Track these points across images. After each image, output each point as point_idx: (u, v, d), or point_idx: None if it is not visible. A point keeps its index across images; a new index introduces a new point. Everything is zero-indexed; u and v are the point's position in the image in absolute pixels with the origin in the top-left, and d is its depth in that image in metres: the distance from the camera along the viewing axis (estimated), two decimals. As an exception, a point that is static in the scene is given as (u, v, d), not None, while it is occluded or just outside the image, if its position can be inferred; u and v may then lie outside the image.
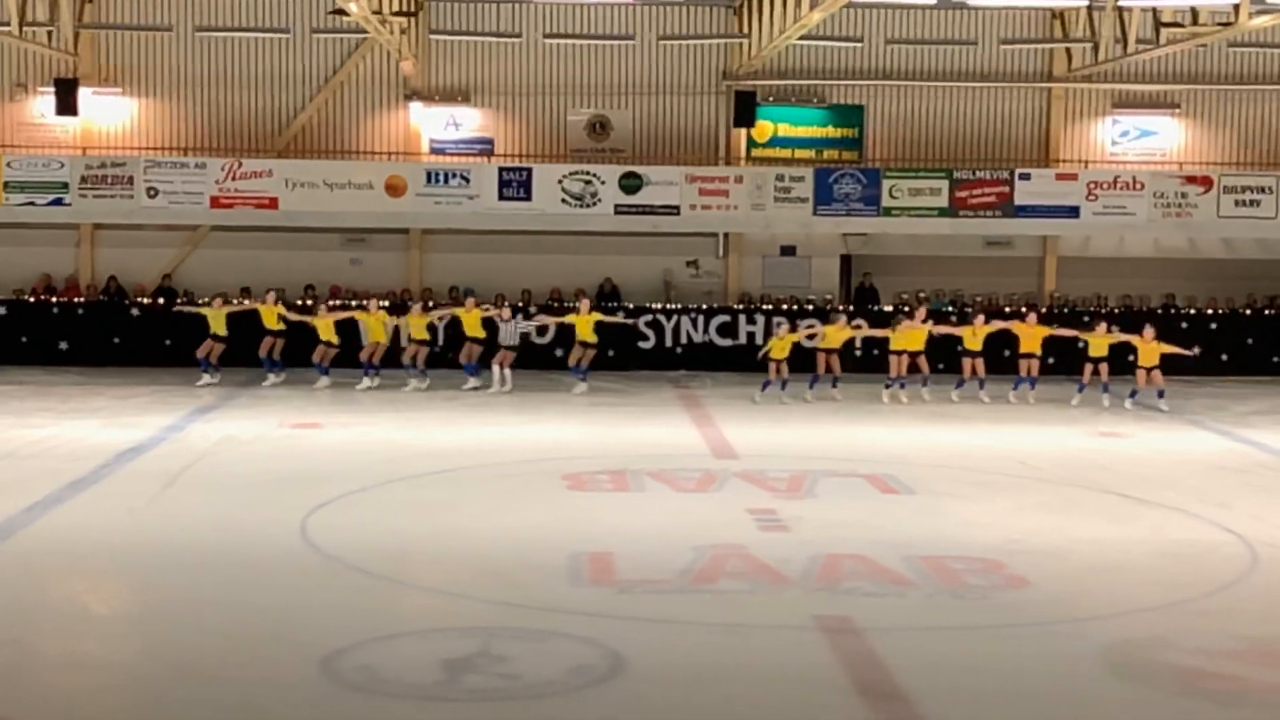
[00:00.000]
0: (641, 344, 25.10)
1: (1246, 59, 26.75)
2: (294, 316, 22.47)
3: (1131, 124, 27.31)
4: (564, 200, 25.12)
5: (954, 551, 11.43)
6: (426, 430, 17.85)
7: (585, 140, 26.90)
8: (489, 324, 22.19)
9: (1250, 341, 25.25)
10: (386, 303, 23.76)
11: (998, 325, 22.20)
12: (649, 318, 25.14)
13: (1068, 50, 26.63)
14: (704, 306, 25.47)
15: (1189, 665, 8.76)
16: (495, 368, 21.89)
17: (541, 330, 23.78)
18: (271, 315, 22.41)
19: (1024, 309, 24.16)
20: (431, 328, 22.61)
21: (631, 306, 25.27)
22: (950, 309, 25.37)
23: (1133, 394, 21.05)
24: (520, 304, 24.76)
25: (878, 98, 27.06)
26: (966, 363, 21.97)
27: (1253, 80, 27.00)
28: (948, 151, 26.96)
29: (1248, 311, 25.83)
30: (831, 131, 27.21)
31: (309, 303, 24.12)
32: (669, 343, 25.06)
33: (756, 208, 25.52)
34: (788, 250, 27.27)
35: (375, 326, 22.45)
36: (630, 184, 25.27)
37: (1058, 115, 27.13)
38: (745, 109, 25.86)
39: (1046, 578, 10.71)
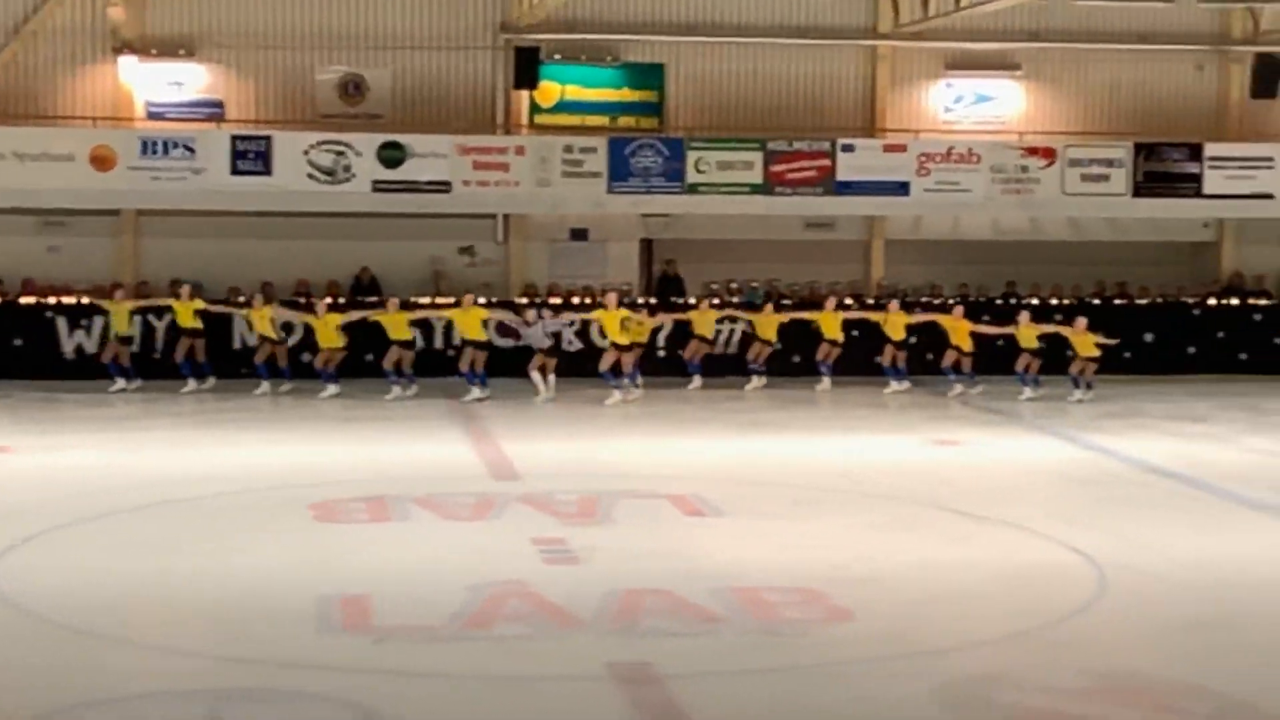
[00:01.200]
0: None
1: (1095, 14, 27.79)
2: (295, 317, 23.50)
3: (967, 88, 28.16)
4: (311, 175, 24.74)
5: (770, 582, 11.59)
6: (146, 453, 17.41)
7: (336, 103, 26.54)
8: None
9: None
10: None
11: (921, 318, 23.91)
12: (416, 315, 24.89)
13: (894, 3, 27.33)
14: (481, 300, 25.35)
15: (1034, 705, 9.03)
16: (536, 374, 22.26)
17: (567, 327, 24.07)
18: (187, 312, 23.06)
19: (951, 300, 25.27)
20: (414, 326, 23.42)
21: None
22: (757, 301, 25.74)
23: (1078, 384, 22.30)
24: (537, 300, 24.71)
25: (680, 56, 27.36)
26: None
27: (1102, 38, 28.09)
28: (761, 119, 27.41)
29: (1096, 301, 26.85)
30: (628, 95, 27.41)
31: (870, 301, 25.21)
32: (439, 343, 24.90)
33: (542, 184, 25.54)
34: (579, 234, 27.37)
35: (398, 326, 22.91)
36: (391, 156, 25.02)
37: (884, 78, 27.82)
38: (526, 68, 25.86)
39: (874, 609, 10.94)
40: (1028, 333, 23.05)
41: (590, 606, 10.86)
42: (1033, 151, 26.62)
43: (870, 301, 25.55)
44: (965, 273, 27.43)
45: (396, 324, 23.07)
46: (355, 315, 23.43)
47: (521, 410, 21.61)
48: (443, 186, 25.17)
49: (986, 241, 27.90)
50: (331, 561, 12.26)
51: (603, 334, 23.47)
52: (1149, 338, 26.10)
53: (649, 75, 27.42)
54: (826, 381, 23.79)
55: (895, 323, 23.88)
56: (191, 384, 23.03)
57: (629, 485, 15.54)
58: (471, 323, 22.95)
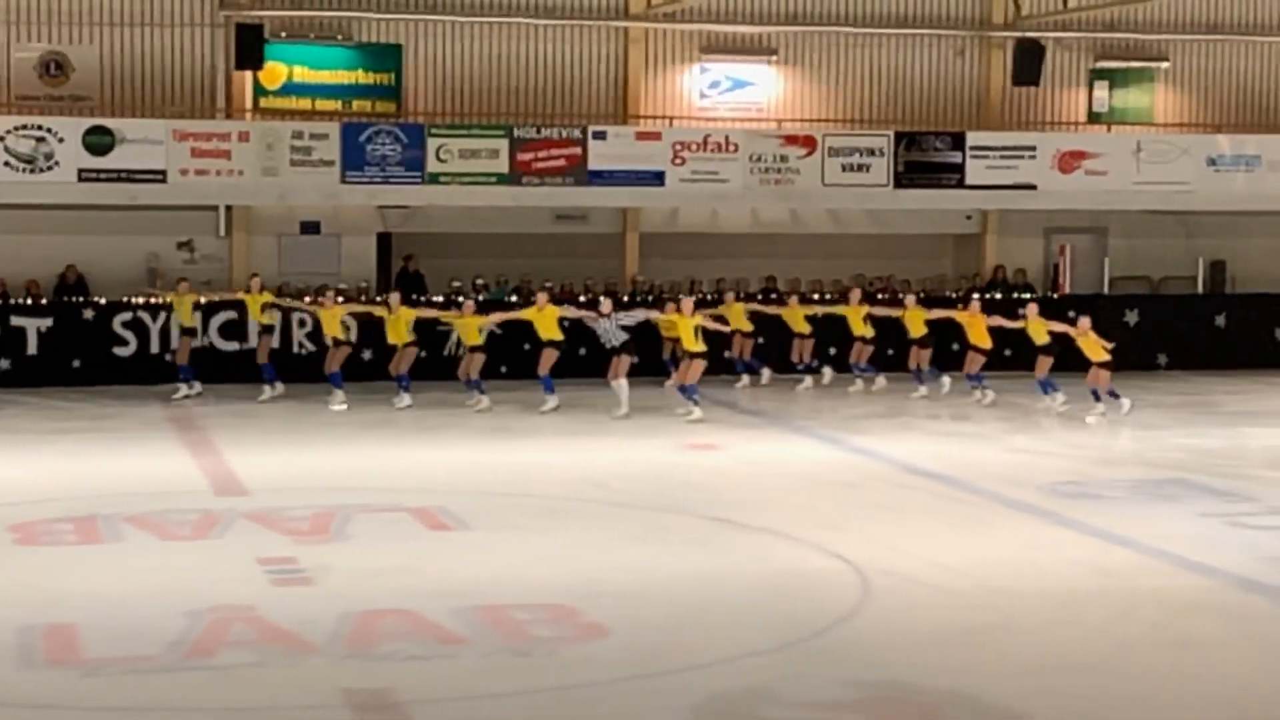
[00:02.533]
0: (118, 350, 24.25)
1: (851, -5, 28.57)
2: (358, 309, 23.55)
3: (723, 73, 28.61)
4: (7, 163, 24.06)
5: (518, 599, 11.59)
6: None
7: (36, 84, 25.78)
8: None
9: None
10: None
11: (940, 314, 23.68)
12: (128, 316, 24.31)
13: (647, -18, 27.66)
14: (202, 300, 24.84)
15: (797, 719, 9.20)
16: (618, 384, 21.49)
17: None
18: (256, 306, 23.41)
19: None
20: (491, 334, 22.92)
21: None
22: (513, 298, 25.79)
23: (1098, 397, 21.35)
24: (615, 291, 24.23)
25: (418, 36, 27.24)
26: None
27: (861, 23, 28.79)
28: (507, 104, 27.45)
29: (858, 295, 27.42)
30: (362, 77, 27.19)
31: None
32: (155, 348, 24.32)
33: (268, 173, 25.19)
34: (310, 227, 27.02)
35: (470, 329, 22.48)
36: (98, 142, 24.40)
37: (637, 61, 28.09)
38: (250, 46, 25.41)
39: (629, 624, 11.02)
40: (1037, 328, 22.15)
41: (323, 630, 10.73)
42: (792, 140, 27.16)
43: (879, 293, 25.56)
44: (723, 267, 27.82)
45: (468, 328, 22.55)
46: (429, 313, 23.12)
47: (247, 418, 21.24)
48: (157, 176, 24.65)
49: (745, 234, 28.38)
50: (33, 588, 11.89)
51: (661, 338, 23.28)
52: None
53: (385, 56, 27.21)
54: (880, 380, 24.24)
55: (915, 319, 23.77)
56: (267, 391, 23.08)
57: (366, 498, 15.41)
58: (548, 323, 22.21)
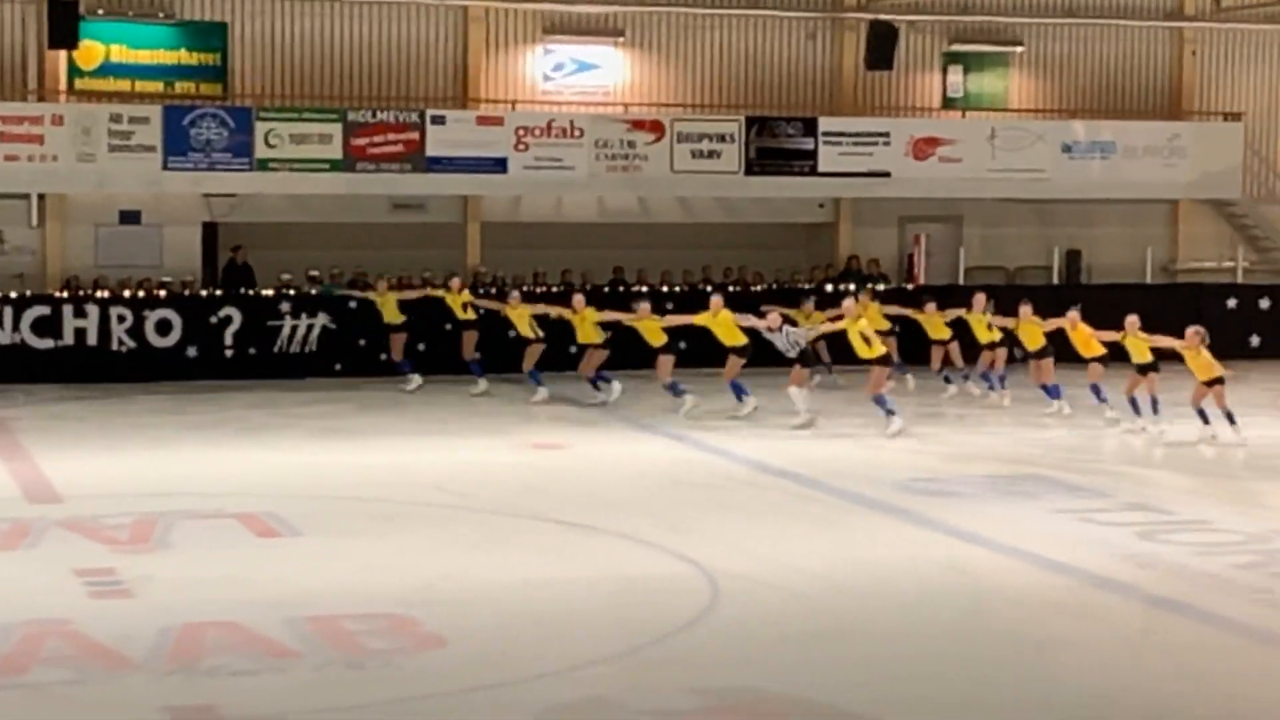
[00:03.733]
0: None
1: (699, -25, 28.75)
2: (485, 304, 24.02)
3: (567, 55, 28.64)
4: None
5: (351, 608, 11.54)
6: None
7: None
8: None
9: (713, 324, 26.99)
10: None
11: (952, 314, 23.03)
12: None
13: (488, -40, 27.62)
14: (13, 295, 24.38)
15: (640, 730, 9.28)
16: (795, 391, 20.55)
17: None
18: (458, 304, 23.97)
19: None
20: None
21: None
22: (351, 292, 25.62)
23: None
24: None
25: (244, 13, 26.98)
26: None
27: (710, 4, 28.99)
28: (341, 87, 27.28)
29: (709, 287, 27.64)
30: (185, 57, 26.87)
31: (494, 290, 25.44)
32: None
33: (85, 159, 24.83)
34: (130, 216, 26.65)
35: (587, 326, 22.40)
36: (-102, 125, 23.87)
37: (477, 42, 28.03)
38: (64, 24, 24.99)
39: (468, 633, 11.02)
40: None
41: (144, 644, 10.60)
42: (639, 125, 27.29)
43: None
44: (569, 258, 27.87)
45: (651, 330, 22.11)
46: (610, 316, 22.64)
47: (61, 420, 20.88)
48: (-38, 161, 24.16)
49: (592, 224, 28.46)
50: None
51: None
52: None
53: (209, 35, 26.90)
54: (970, 386, 23.32)
55: (935, 322, 23.29)
56: (481, 384, 23.49)
57: (190, 505, 15.24)
58: (728, 329, 21.50)
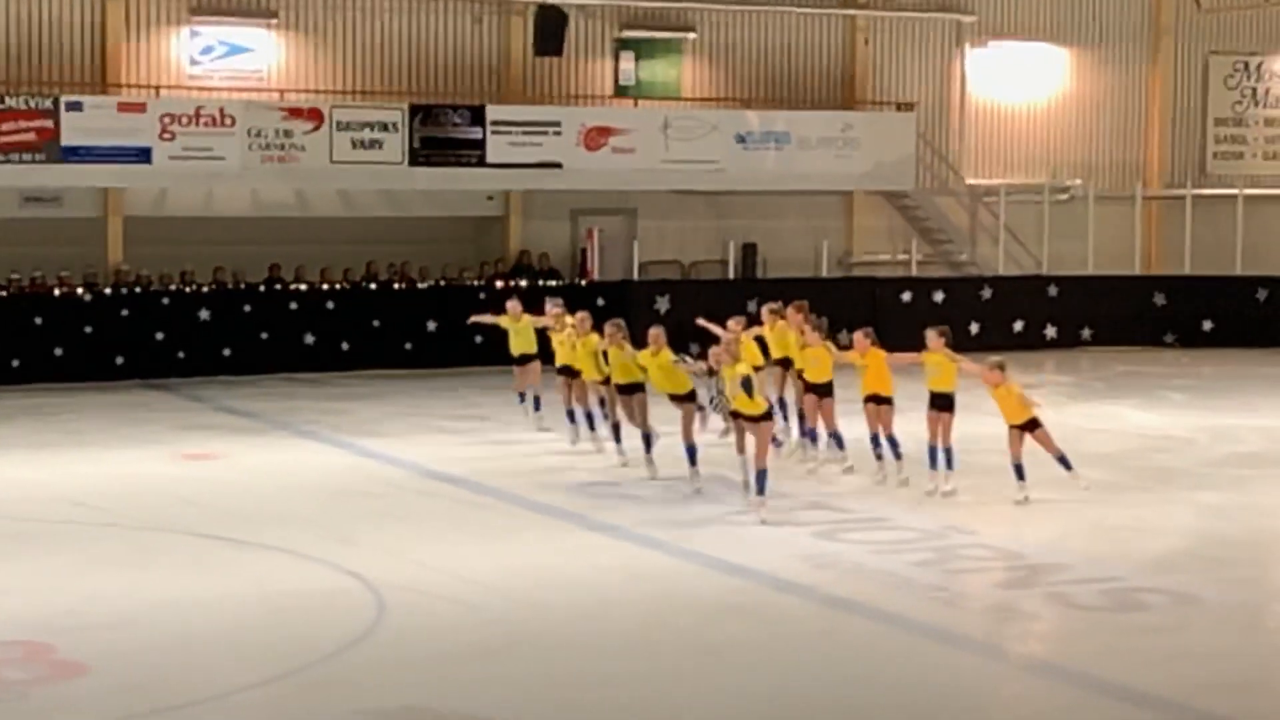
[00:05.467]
0: None
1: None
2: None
3: (216, 37, 28.11)
4: None
5: (-16, 636, 11.17)
6: None
7: None
8: None
9: (377, 324, 26.83)
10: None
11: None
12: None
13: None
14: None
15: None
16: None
17: None
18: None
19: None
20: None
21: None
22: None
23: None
24: None
25: None
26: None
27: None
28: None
29: (373, 285, 27.47)
30: None
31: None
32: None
33: None
34: None
35: (658, 375, 17.26)
36: None
37: (116, 23, 27.31)
38: None
39: (113, 659, 10.77)
40: (937, 361, 16.42)
41: None
42: (296, 113, 26.92)
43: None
44: (221, 254, 27.35)
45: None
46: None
47: None
48: None
49: (246, 218, 28.00)
50: None
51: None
52: (432, 326, 26.92)
53: None
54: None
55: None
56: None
57: None
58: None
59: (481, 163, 27.97)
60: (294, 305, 26.44)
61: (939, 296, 29.31)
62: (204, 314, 25.62)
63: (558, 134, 28.37)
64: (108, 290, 25.62)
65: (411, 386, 24.41)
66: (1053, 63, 33.34)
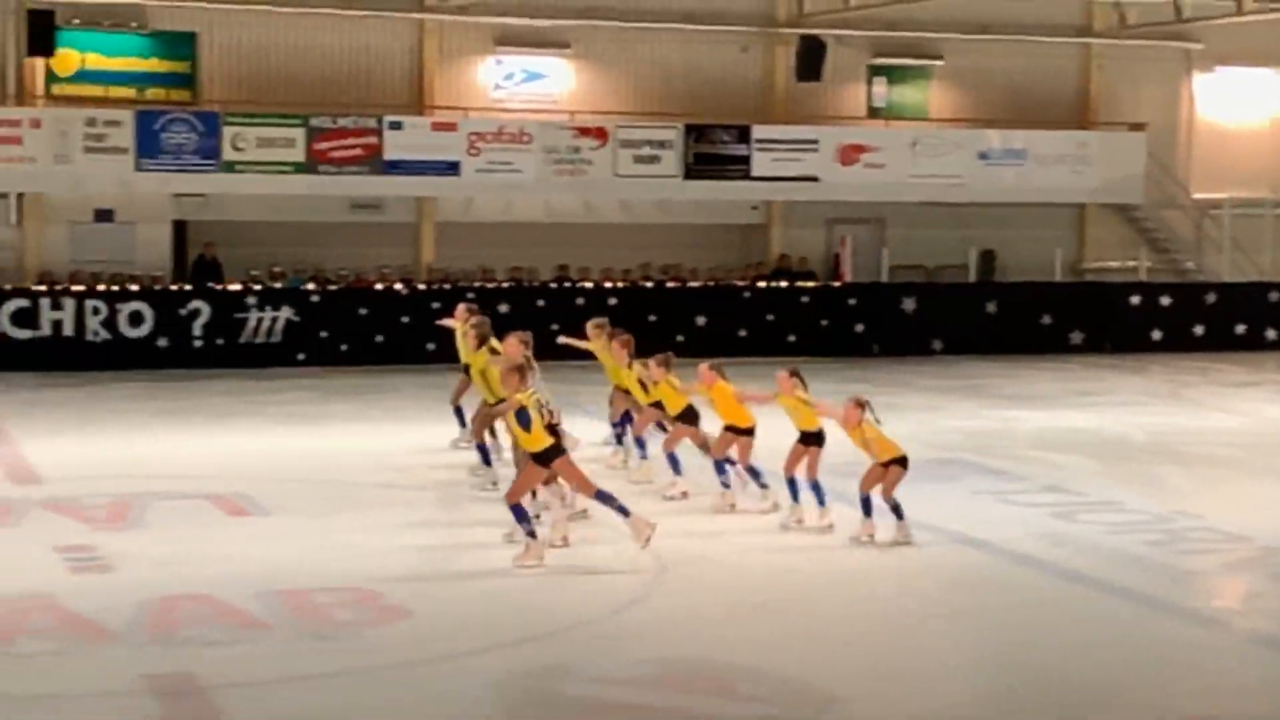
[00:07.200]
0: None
1: (641, -9, 28.73)
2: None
3: (517, 65, 28.56)
4: None
5: (320, 583, 11.49)
6: None
7: None
8: None
9: (652, 319, 27.00)
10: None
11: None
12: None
13: (439, -26, 27.50)
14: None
15: (592, 696, 9.26)
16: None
17: None
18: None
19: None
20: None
21: None
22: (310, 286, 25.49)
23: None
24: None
25: (213, 23, 26.76)
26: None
27: (649, 18, 28.95)
28: (304, 93, 27.08)
29: (649, 284, 27.69)
30: (157, 65, 26.63)
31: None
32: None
33: (61, 160, 24.60)
34: (104, 215, 26.38)
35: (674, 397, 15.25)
36: (-115, 128, 23.56)
37: (432, 53, 27.91)
38: (42, 32, 24.74)
39: (429, 606, 10.98)
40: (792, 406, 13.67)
41: (123, 617, 10.53)
42: (584, 132, 27.24)
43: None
44: (517, 256, 27.82)
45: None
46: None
47: (38, 406, 20.65)
48: (-54, 163, 23.90)
49: (539, 224, 28.40)
50: None
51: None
52: (701, 321, 27.03)
53: (179, 44, 26.67)
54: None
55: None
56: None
57: (165, 486, 15.10)
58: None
59: (747, 176, 28.05)
60: (580, 300, 26.68)
61: (1165, 301, 28.54)
62: (503, 307, 25.97)
63: (815, 151, 28.29)
64: (421, 285, 26.20)
65: (685, 374, 24.43)
66: (1276, 87, 32.27)
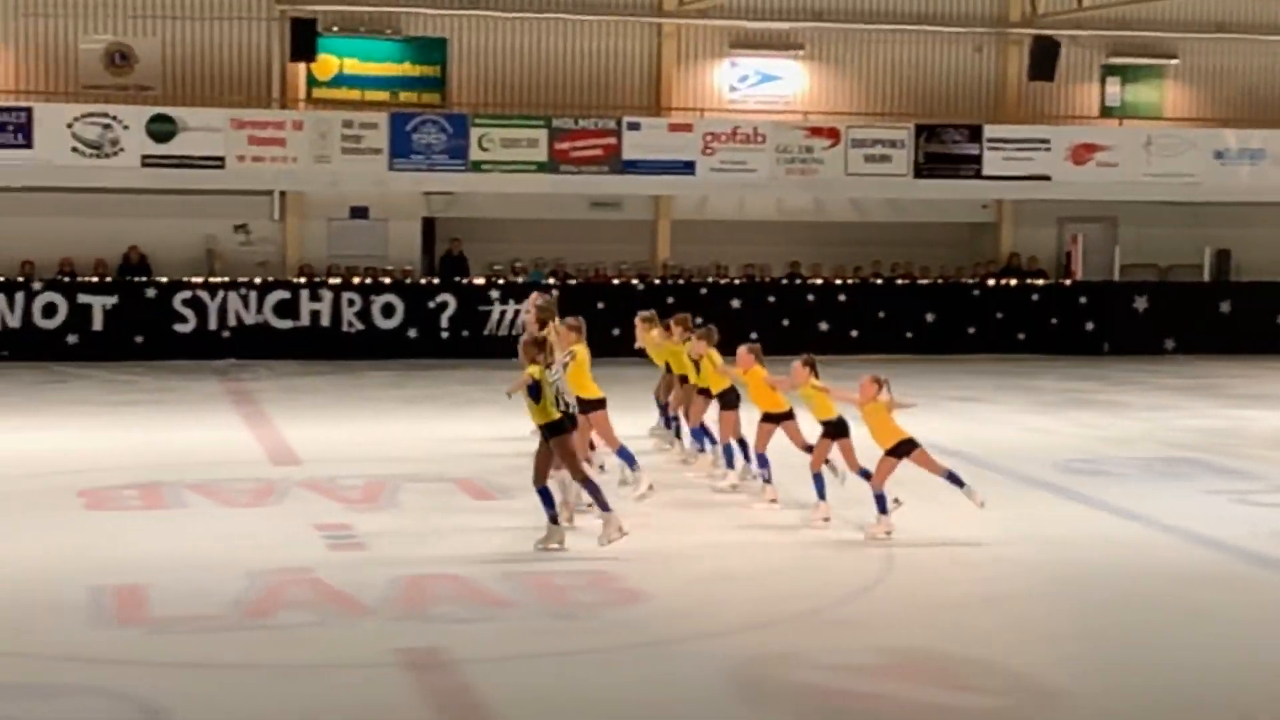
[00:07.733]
0: (179, 327, 24.36)
1: (875, -6, 28.48)
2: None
3: (751, 67, 28.55)
4: (76, 149, 24.12)
5: (561, 565, 11.62)
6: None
7: (102, 74, 25.85)
8: None
9: (882, 315, 26.82)
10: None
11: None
12: (188, 294, 24.43)
13: (680, -20, 27.61)
14: (257, 281, 24.94)
15: (823, 683, 9.22)
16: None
17: None
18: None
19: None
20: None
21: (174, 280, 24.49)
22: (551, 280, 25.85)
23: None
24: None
25: (462, 30, 27.24)
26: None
27: (882, 19, 28.69)
28: (546, 96, 27.43)
29: (879, 281, 27.47)
30: (409, 69, 27.20)
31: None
32: (213, 325, 24.44)
33: (320, 160, 25.24)
34: (359, 212, 27.07)
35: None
36: (161, 129, 24.46)
37: (669, 56, 28.05)
38: (304, 39, 25.47)
39: (665, 590, 11.04)
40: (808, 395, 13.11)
41: (376, 593, 10.77)
42: (816, 132, 27.11)
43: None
44: (750, 253, 27.83)
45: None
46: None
47: (298, 393, 21.30)
48: (216, 162, 24.73)
49: (771, 222, 28.36)
50: (103, 550, 11.95)
51: None
52: (930, 318, 26.76)
53: (431, 50, 27.23)
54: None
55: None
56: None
57: (414, 469, 15.43)
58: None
59: (978, 175, 27.62)
60: (811, 297, 26.68)
61: (1405, 299, 27.40)
62: (735, 303, 26.10)
63: (1047, 150, 27.73)
64: (656, 280, 26.40)
65: (912, 369, 24.20)
66: None
